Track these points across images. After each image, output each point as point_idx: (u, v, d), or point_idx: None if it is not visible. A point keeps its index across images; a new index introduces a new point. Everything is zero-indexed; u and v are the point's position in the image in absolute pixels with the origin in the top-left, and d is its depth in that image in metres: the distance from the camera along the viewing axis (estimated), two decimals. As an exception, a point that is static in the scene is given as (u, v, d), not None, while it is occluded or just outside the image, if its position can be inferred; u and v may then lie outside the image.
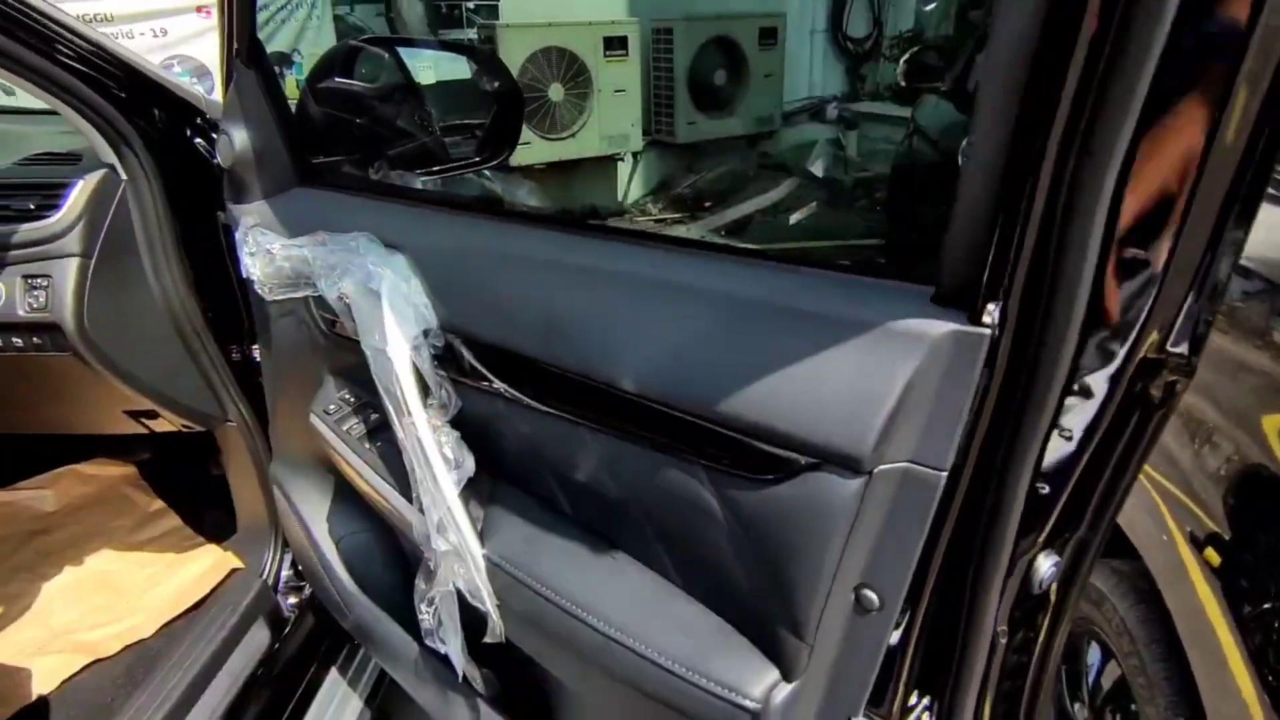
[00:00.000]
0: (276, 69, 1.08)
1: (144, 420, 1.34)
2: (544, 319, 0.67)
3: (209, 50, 4.78)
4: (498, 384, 0.75)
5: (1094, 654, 1.47)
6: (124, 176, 1.11)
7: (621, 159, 5.69)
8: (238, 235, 1.02)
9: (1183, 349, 0.42)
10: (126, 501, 1.67)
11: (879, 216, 4.45)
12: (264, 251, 0.97)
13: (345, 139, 1.14)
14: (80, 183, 1.09)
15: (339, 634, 1.52)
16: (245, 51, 0.95)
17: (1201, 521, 1.06)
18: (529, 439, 0.74)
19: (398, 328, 0.75)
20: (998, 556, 0.50)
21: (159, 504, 1.68)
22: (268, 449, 1.39)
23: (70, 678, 1.24)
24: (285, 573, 1.48)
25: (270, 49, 1.21)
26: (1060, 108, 0.39)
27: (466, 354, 0.78)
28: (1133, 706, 1.28)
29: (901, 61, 2.91)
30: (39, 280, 1.08)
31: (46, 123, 1.36)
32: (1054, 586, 0.55)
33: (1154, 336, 0.42)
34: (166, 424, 1.35)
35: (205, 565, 1.48)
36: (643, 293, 0.62)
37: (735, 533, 0.56)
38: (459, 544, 0.74)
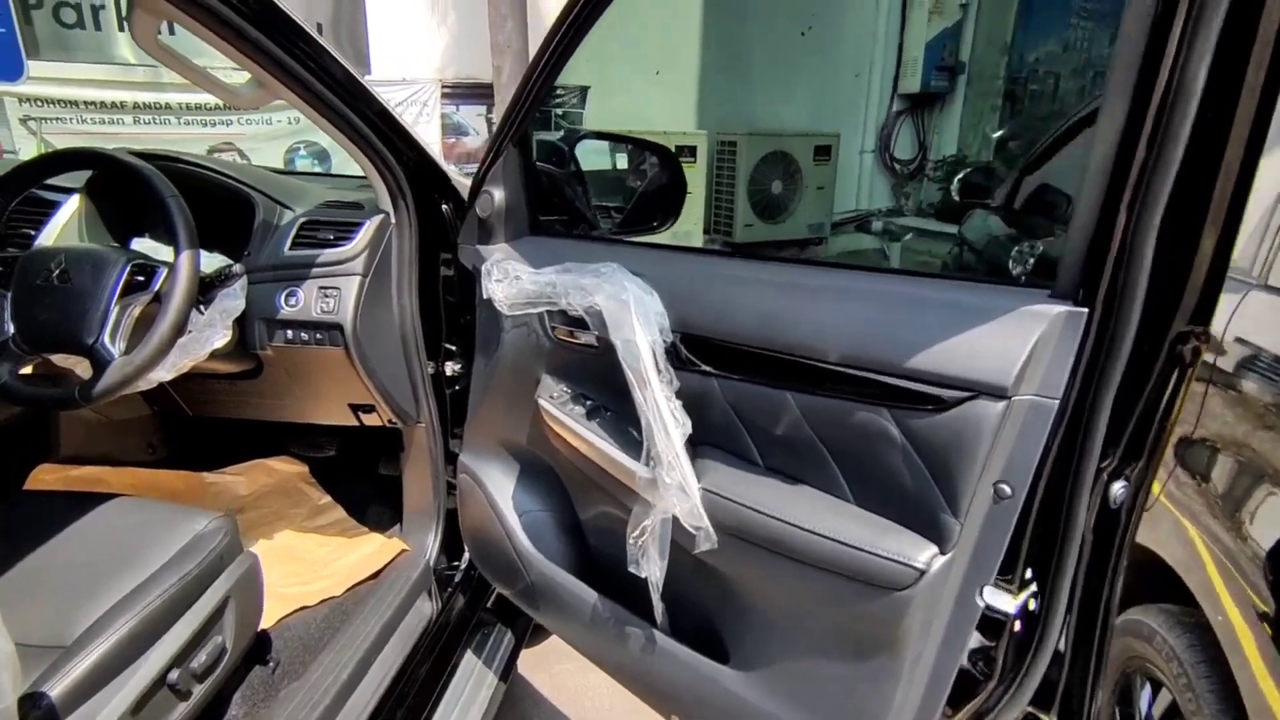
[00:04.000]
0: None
1: (361, 413, 1.66)
2: (760, 317, 0.98)
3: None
4: (707, 368, 1.05)
5: (1145, 692, 1.65)
6: (393, 221, 1.48)
7: (683, 253, 6.16)
8: (484, 267, 1.36)
9: (1200, 324, 0.72)
10: (301, 494, 1.97)
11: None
12: (512, 278, 1.31)
13: (555, 204, 1.51)
14: (367, 223, 1.46)
15: (479, 620, 1.77)
16: (518, 140, 1.32)
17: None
18: (732, 407, 1.03)
19: (642, 325, 1.07)
20: (1088, 467, 0.77)
21: (327, 499, 1.97)
22: (443, 448, 1.69)
23: (283, 618, 1.51)
24: (442, 559, 1.74)
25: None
26: (1127, 196, 0.71)
27: (683, 349, 1.09)
28: (1182, 724, 1.46)
29: (956, 180, 3.32)
30: (331, 290, 1.43)
31: (320, 183, 1.77)
32: (1124, 510, 0.82)
33: (1182, 318, 0.72)
34: (375, 419, 1.67)
35: (375, 546, 1.76)
36: (834, 296, 0.93)
37: (909, 452, 0.84)
38: (681, 481, 1.02)
